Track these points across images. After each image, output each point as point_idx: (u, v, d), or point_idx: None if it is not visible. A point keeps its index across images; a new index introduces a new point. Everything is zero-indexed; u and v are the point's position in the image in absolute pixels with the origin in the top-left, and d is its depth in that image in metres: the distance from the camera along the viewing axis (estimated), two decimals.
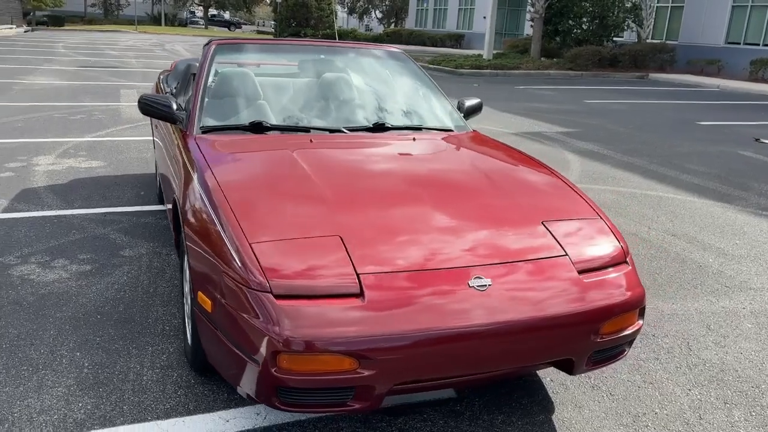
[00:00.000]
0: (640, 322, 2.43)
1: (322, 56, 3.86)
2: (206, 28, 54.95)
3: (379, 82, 3.83)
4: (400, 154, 3.10)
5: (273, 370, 1.96)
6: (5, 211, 4.61)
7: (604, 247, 2.48)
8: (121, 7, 56.51)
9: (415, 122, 3.51)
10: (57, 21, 44.85)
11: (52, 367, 2.69)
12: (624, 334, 2.35)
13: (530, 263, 2.30)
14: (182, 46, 28.98)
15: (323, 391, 2.02)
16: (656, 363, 3.00)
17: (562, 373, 2.84)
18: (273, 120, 3.27)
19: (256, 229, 2.21)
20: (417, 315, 2.04)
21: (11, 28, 33.09)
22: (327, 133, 3.25)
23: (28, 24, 39.76)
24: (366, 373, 1.98)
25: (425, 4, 42.39)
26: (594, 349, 2.29)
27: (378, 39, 43.60)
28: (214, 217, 2.32)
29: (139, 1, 53.77)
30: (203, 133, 3.13)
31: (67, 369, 2.69)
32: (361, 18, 63.44)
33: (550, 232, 2.45)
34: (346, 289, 2.04)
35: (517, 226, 2.47)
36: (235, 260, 2.10)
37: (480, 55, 22.60)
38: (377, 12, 61.60)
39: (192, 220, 2.49)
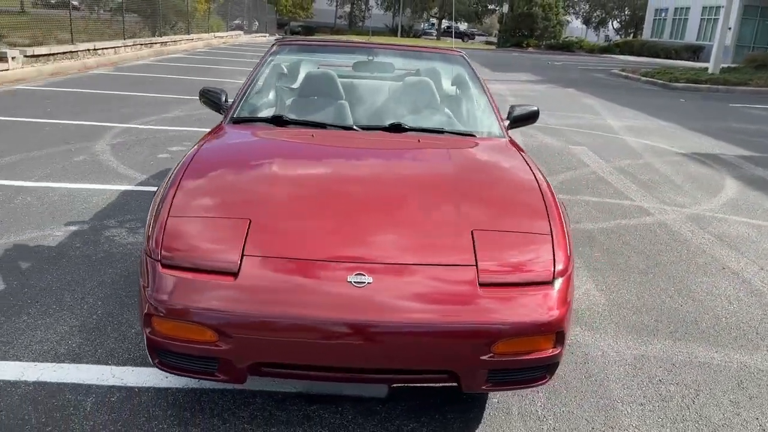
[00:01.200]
0: (557, 349, 2.20)
1: (371, 58, 3.97)
2: (438, 39, 56.90)
3: (422, 84, 3.82)
4: (383, 154, 3.13)
5: (147, 331, 2.18)
6: (138, 184, 5.44)
7: (529, 264, 2.29)
8: (364, 19, 61.10)
9: (438, 125, 3.46)
10: (308, 31, 50.14)
11: (72, 310, 3.20)
12: (528, 358, 2.16)
13: (428, 268, 2.22)
14: None
15: (192, 359, 2.19)
16: (635, 407, 2.64)
17: (512, 397, 2.65)
18: (296, 115, 3.47)
19: (181, 206, 2.44)
20: (281, 300, 2.11)
21: (265, 36, 37.66)
22: (340, 130, 3.36)
23: (285, 33, 44.92)
24: (224, 347, 2.11)
25: (663, 14, 39.31)
26: (486, 367, 2.15)
27: (607, 50, 41.54)
28: (164, 190, 2.60)
29: (380, 13, 57.75)
30: (234, 123, 3.45)
31: (82, 313, 3.18)
32: (597, 28, 60.76)
33: (473, 241, 2.33)
34: (226, 267, 2.18)
35: (439, 232, 2.38)
36: (150, 230, 2.36)
37: (706, 69, 20.45)
38: (614, 22, 58.54)
39: (159, 190, 2.79)
